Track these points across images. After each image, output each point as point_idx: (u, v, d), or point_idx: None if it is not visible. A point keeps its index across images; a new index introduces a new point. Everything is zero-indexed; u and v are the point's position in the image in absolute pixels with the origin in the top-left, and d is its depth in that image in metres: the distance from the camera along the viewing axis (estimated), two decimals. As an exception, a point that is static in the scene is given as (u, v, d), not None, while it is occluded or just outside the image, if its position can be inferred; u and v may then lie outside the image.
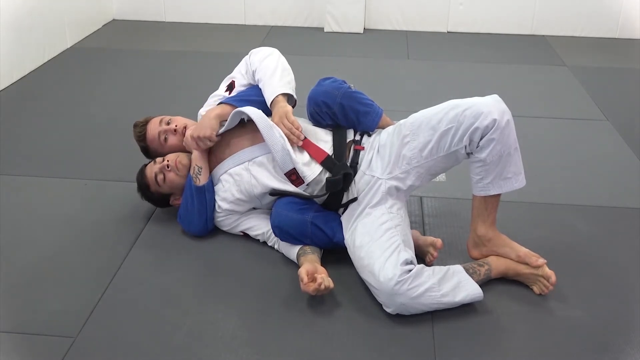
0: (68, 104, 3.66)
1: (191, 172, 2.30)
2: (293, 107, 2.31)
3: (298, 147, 2.19)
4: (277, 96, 2.23)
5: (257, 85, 2.35)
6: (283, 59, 2.38)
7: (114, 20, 5.35)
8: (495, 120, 1.95)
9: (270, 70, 2.30)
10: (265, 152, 2.20)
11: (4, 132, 3.26)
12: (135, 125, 2.50)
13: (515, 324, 1.97)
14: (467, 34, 5.12)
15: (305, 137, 2.20)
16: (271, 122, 2.17)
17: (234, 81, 2.43)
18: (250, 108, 2.21)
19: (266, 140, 2.14)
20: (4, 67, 3.81)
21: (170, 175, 2.32)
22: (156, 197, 2.40)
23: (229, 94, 2.40)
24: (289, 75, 2.33)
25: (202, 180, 2.28)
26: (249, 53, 2.42)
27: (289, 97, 2.28)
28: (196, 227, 2.33)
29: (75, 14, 4.70)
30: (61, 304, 2.04)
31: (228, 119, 2.24)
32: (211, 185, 2.30)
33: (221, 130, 2.26)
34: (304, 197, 2.20)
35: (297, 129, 2.16)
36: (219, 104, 2.33)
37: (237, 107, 2.24)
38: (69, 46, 4.61)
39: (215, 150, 2.31)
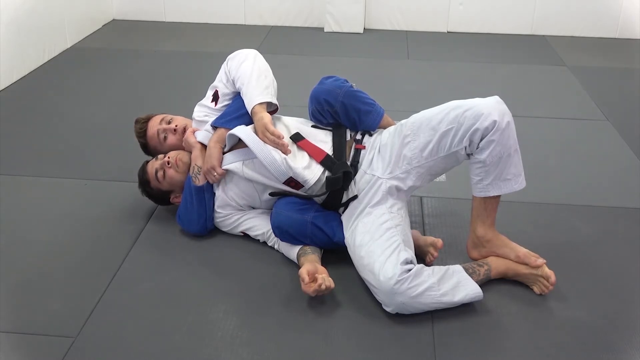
0: (68, 104, 3.66)
1: (190, 171, 2.30)
2: (275, 111, 2.31)
3: (297, 149, 2.19)
4: (253, 108, 2.22)
5: (237, 102, 2.32)
6: (260, 62, 2.34)
7: (114, 20, 5.35)
8: (495, 121, 1.95)
9: (247, 78, 2.27)
10: None
11: (4, 132, 3.26)
12: (136, 121, 2.51)
13: (515, 324, 1.97)
14: (467, 34, 5.12)
15: (302, 138, 2.20)
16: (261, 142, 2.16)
17: (217, 90, 2.40)
18: (241, 130, 2.19)
19: (260, 159, 2.13)
20: (4, 67, 3.81)
21: (170, 172, 2.32)
22: (156, 193, 2.41)
23: (215, 104, 2.39)
24: (266, 80, 2.29)
25: (201, 180, 2.28)
26: (227, 59, 2.39)
27: (268, 103, 2.26)
28: (196, 226, 2.33)
29: (75, 14, 4.70)
30: (61, 304, 2.04)
31: (226, 143, 2.26)
32: (210, 184, 2.30)
33: (225, 149, 2.28)
34: (304, 196, 2.20)
35: (279, 137, 2.14)
36: (212, 126, 2.31)
37: (230, 129, 2.23)
38: (69, 46, 4.61)
39: None
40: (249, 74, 2.28)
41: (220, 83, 2.39)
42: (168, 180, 2.34)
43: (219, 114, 2.34)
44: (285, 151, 2.15)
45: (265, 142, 2.15)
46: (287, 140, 2.18)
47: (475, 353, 1.86)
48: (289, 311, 2.01)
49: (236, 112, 2.29)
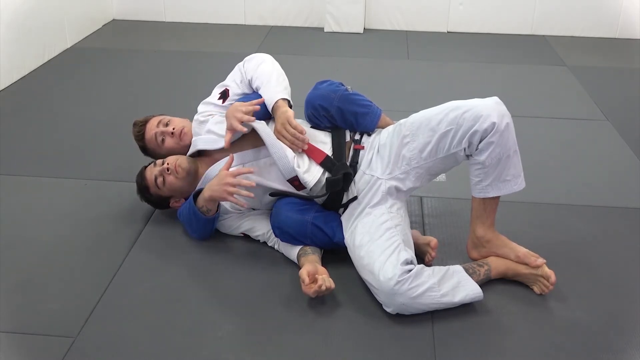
0: (68, 104, 3.66)
1: (198, 206, 2.23)
2: None
3: (298, 151, 2.19)
4: (277, 101, 2.22)
5: (257, 93, 2.32)
6: (277, 65, 2.37)
7: (114, 20, 5.35)
8: (494, 123, 1.95)
9: (267, 76, 2.29)
10: (266, 156, 2.20)
11: (4, 132, 3.26)
12: (134, 124, 2.50)
13: (515, 324, 1.97)
14: (467, 34, 5.12)
15: (308, 141, 2.20)
16: (274, 135, 2.17)
17: (228, 89, 2.41)
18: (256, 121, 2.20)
19: (270, 150, 2.14)
20: (4, 67, 3.81)
21: (170, 179, 2.30)
22: (155, 199, 2.39)
23: (223, 102, 2.39)
24: (285, 81, 2.31)
25: (212, 214, 2.26)
26: (243, 60, 2.41)
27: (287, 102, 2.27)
28: (199, 234, 2.33)
29: (75, 14, 4.70)
30: (61, 304, 2.04)
31: None
32: (219, 213, 2.29)
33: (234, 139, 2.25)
34: (304, 197, 2.20)
35: (301, 132, 2.15)
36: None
37: None
38: (69, 46, 4.61)
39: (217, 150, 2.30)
40: (269, 73, 2.30)
41: (233, 83, 2.40)
42: (168, 186, 2.31)
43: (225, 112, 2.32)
44: (302, 146, 2.16)
45: (284, 134, 2.15)
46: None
47: (475, 353, 1.86)
48: (289, 311, 2.01)
49: (257, 98, 2.27)
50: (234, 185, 2.11)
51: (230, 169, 2.18)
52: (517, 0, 5.04)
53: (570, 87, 4.00)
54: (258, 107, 2.18)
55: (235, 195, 2.12)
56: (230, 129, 2.18)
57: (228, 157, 2.21)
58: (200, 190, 2.24)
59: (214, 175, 2.25)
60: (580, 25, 5.05)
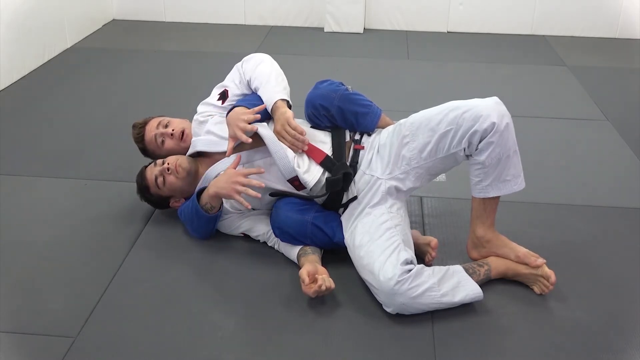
0: (68, 104, 3.66)
1: (202, 203, 2.23)
2: None
3: (298, 152, 2.19)
4: (276, 102, 2.22)
5: (257, 95, 2.31)
6: (276, 65, 2.36)
7: (114, 20, 5.35)
8: (494, 123, 1.95)
9: (266, 77, 2.29)
10: (264, 157, 2.20)
11: (4, 132, 3.26)
12: (134, 126, 2.50)
13: (515, 324, 1.97)
14: (467, 34, 5.12)
15: (308, 141, 2.20)
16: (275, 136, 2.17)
17: (227, 90, 2.40)
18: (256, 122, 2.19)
19: (271, 151, 2.14)
20: (4, 67, 3.81)
21: (170, 179, 2.30)
22: (156, 199, 2.39)
23: (222, 103, 2.39)
24: (284, 81, 2.31)
25: (215, 211, 2.25)
26: (241, 61, 2.40)
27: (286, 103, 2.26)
28: (200, 234, 2.33)
29: (75, 14, 4.71)
30: (61, 304, 2.04)
31: None
32: (221, 212, 2.28)
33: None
34: (304, 197, 2.20)
35: (301, 133, 2.15)
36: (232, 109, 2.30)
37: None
38: (69, 46, 4.61)
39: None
40: (268, 73, 2.29)
41: (232, 83, 2.39)
42: (168, 186, 2.31)
43: (226, 112, 2.32)
44: (302, 147, 2.15)
45: (284, 135, 2.15)
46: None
47: (475, 353, 1.86)
48: (289, 311, 2.01)
49: (259, 100, 2.27)
50: (243, 185, 2.11)
51: (223, 160, 2.19)
52: (517, 0, 5.04)
53: (570, 87, 4.00)
54: (259, 115, 2.17)
55: (242, 195, 2.12)
56: (234, 137, 2.17)
57: (234, 156, 2.22)
58: (203, 189, 2.24)
59: (214, 175, 2.25)
60: (580, 25, 5.05)
